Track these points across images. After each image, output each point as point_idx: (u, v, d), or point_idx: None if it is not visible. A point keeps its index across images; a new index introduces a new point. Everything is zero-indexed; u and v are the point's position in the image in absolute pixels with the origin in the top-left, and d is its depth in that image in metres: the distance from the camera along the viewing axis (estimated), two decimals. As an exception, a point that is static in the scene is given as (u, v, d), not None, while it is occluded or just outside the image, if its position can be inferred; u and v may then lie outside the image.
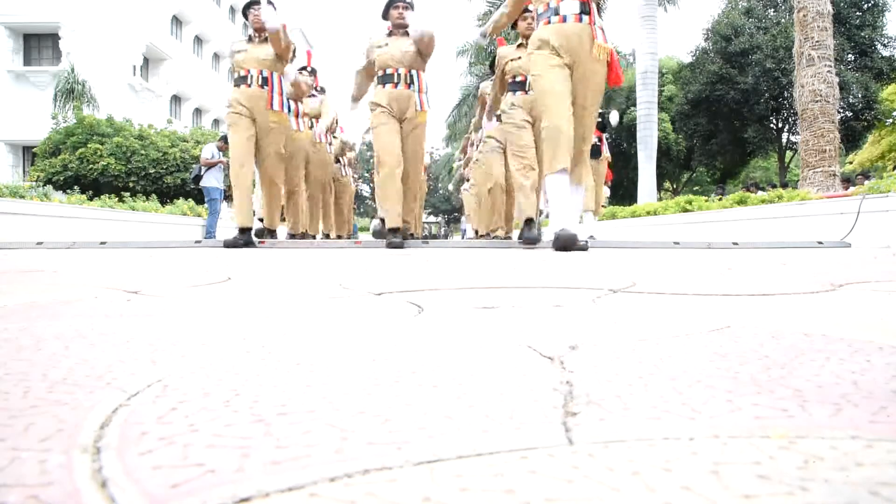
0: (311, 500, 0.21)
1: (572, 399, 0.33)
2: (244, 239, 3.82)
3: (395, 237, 3.82)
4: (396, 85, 4.02)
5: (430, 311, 0.69)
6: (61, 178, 9.38)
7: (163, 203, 8.88)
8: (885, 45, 17.02)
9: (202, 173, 7.57)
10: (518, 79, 4.18)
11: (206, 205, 7.89)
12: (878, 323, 0.60)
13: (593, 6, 3.06)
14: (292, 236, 5.15)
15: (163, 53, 17.51)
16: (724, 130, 17.96)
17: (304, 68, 5.49)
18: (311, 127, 5.92)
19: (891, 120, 16.66)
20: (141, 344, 0.49)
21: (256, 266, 1.60)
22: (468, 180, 8.86)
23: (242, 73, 3.93)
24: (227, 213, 9.14)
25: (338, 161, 7.24)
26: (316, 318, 0.64)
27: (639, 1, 10.98)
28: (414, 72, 4.03)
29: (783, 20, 17.02)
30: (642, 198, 10.56)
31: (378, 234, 4.36)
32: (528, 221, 4.04)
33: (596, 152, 6.26)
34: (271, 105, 3.94)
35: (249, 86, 3.91)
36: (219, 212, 7.84)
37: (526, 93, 4.10)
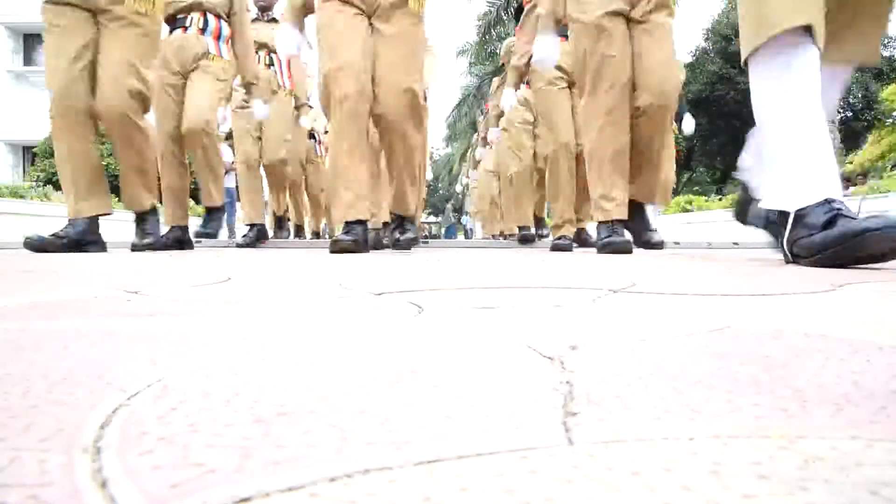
0: (311, 499, 0.21)
1: (572, 399, 0.33)
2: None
3: (351, 233, 2.23)
4: None
5: (431, 311, 0.69)
6: (61, 178, 9.37)
7: (163, 203, 8.87)
8: (885, 45, 17.04)
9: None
10: None
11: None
12: (879, 323, 0.60)
13: None
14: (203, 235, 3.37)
15: (163, 53, 17.49)
16: (724, 130, 17.98)
17: None
18: (271, 65, 4.19)
19: (891, 120, 16.67)
20: (141, 344, 0.49)
21: (257, 266, 1.60)
22: (477, 165, 7.52)
23: None
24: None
25: (312, 137, 6.15)
26: (316, 318, 0.64)
27: (639, 1, 10.94)
28: None
29: (783, 20, 16.99)
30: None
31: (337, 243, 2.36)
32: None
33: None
34: None
35: None
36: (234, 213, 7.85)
37: None
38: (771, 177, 1.46)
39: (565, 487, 0.21)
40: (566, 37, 3.11)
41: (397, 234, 2.48)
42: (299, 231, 6.84)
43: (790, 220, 1.39)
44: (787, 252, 1.44)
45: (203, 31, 3.10)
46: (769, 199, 1.49)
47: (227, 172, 7.45)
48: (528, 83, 4.07)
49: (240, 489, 0.21)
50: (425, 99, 4.80)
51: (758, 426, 0.28)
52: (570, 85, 3.33)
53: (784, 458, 0.24)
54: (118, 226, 7.01)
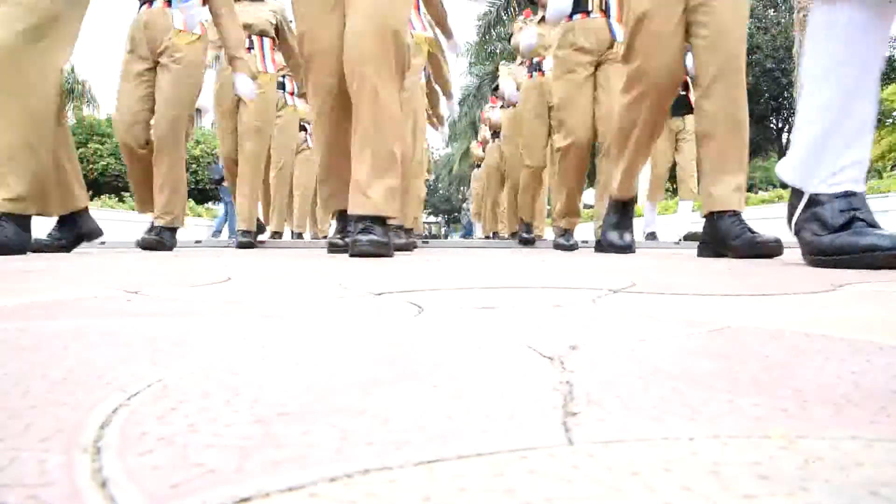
0: (311, 500, 0.21)
1: (572, 399, 0.33)
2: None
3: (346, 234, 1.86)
4: None
5: (430, 311, 0.69)
6: (61, 178, 9.38)
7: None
8: (885, 45, 16.99)
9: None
10: None
11: (220, 205, 7.91)
12: (879, 323, 0.60)
13: None
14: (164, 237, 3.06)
15: (163, 53, 17.50)
16: (724, 130, 17.95)
17: None
18: (251, 48, 3.81)
19: (891, 120, 16.66)
20: (141, 344, 0.49)
21: (257, 266, 1.60)
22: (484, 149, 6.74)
23: None
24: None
25: (304, 129, 5.97)
26: (316, 318, 0.64)
27: (639, 1, 10.92)
28: None
29: (783, 20, 17.01)
30: (642, 198, 10.53)
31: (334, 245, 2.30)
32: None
33: (682, 104, 4.51)
34: None
35: None
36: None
37: None
38: (797, 142, 1.32)
39: (565, 487, 0.21)
40: (587, 13, 3.00)
41: (360, 236, 1.80)
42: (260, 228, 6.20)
43: (804, 201, 1.32)
44: (794, 231, 1.38)
45: (169, 3, 2.92)
46: (787, 168, 1.36)
47: None
48: (541, 70, 3.93)
49: (240, 489, 0.21)
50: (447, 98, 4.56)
51: (758, 426, 0.28)
52: (597, 66, 3.11)
53: (784, 458, 0.24)
54: (118, 226, 7.01)
